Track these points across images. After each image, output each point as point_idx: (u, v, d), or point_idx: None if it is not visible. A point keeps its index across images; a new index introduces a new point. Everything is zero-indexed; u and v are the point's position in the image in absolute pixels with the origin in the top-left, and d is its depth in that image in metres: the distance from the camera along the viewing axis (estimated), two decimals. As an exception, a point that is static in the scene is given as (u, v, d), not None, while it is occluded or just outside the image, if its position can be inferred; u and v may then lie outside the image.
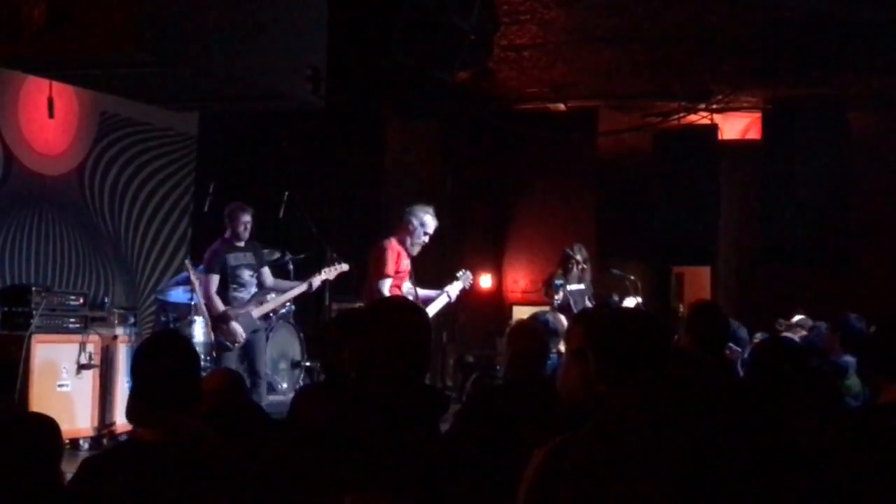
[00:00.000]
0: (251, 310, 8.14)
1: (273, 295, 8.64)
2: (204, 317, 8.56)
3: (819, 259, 11.90)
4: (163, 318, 9.14)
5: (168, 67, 4.91)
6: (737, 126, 13.12)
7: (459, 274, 8.37)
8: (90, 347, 7.85)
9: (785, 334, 7.57)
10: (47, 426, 3.08)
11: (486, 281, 13.11)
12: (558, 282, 9.58)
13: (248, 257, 8.20)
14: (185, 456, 2.95)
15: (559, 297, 9.39)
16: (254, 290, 8.29)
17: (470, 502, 2.88)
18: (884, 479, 2.66)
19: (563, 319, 9.10)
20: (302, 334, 9.39)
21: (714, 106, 12.19)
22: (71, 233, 9.36)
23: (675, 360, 3.43)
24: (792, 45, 9.99)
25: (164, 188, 10.41)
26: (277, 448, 3.01)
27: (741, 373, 5.25)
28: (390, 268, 7.74)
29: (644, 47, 10.55)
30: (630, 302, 9.87)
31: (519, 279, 13.52)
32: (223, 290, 8.01)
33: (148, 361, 3.09)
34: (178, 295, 9.01)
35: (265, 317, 8.50)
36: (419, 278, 8.13)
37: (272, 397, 8.75)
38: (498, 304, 13.39)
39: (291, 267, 9.31)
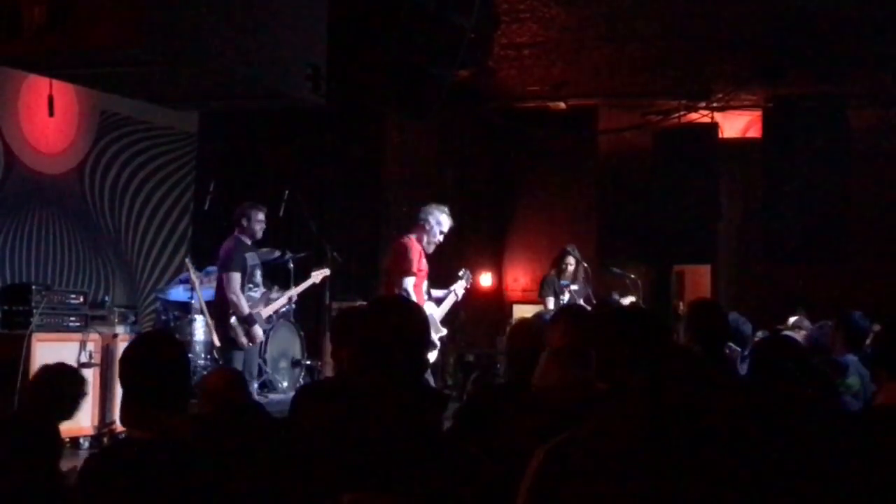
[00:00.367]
0: (261, 309, 8.17)
1: (276, 295, 8.67)
2: (205, 315, 8.57)
3: (820, 257, 11.89)
4: (163, 317, 9.14)
5: (168, 66, 4.92)
6: (737, 124, 13.11)
7: (461, 273, 8.42)
8: (90, 346, 7.85)
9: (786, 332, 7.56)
10: (45, 425, 3.08)
11: (486, 279, 13.11)
12: (564, 282, 9.65)
13: (256, 257, 8.24)
14: (177, 455, 2.94)
15: (565, 297, 9.44)
16: (262, 289, 8.33)
17: (470, 502, 2.88)
18: (880, 481, 2.65)
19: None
20: (302, 333, 9.39)
21: (714, 104, 12.17)
22: (71, 231, 9.36)
23: (674, 358, 3.43)
24: (792, 43, 10.00)
25: (164, 187, 10.41)
26: (277, 447, 3.01)
27: (742, 371, 5.25)
28: (415, 265, 7.75)
29: (644, 45, 10.55)
30: (626, 300, 9.89)
31: (519, 278, 13.52)
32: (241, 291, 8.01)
33: (136, 363, 3.08)
34: (178, 293, 9.01)
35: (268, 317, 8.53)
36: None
37: (273, 396, 8.76)
38: (498, 302, 13.39)
39: (291, 266, 9.31)
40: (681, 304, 12.65)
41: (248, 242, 8.11)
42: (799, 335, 7.10)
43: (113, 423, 8.01)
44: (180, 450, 2.96)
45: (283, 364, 9.23)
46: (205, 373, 7.85)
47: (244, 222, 8.05)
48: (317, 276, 8.88)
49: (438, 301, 8.19)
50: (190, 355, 8.33)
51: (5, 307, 7.60)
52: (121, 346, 8.19)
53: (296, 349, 9.33)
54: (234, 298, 7.85)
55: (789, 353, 3.71)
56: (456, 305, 8.47)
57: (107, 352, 8.05)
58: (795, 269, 12.34)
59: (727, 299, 12.49)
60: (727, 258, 13.50)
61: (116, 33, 4.41)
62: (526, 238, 13.46)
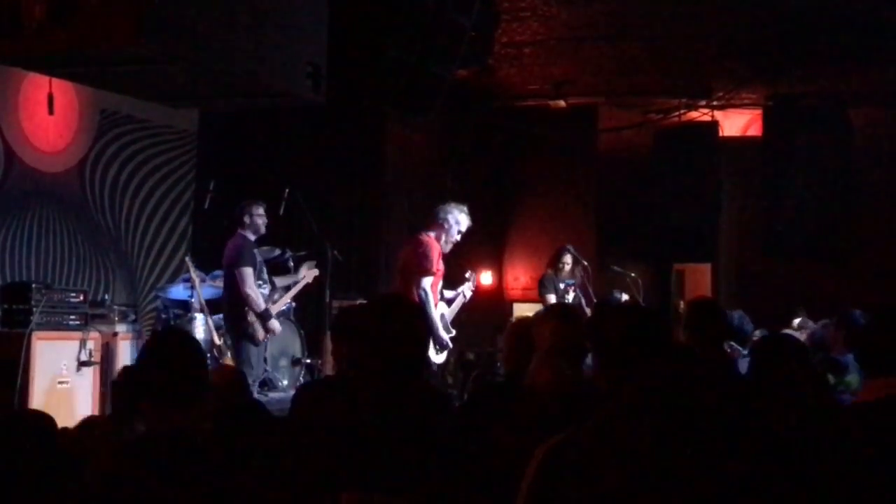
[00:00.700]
0: (270, 306, 8.23)
1: (278, 294, 8.70)
2: (205, 313, 8.57)
3: (820, 255, 11.89)
4: (163, 316, 9.14)
5: (168, 64, 4.92)
6: (737, 123, 13.11)
7: (468, 275, 8.47)
8: (90, 344, 7.85)
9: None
10: (44, 424, 3.08)
11: (486, 278, 13.11)
12: (570, 281, 9.67)
13: (260, 255, 8.26)
14: (196, 449, 2.96)
15: (570, 296, 9.47)
16: (269, 286, 8.37)
17: (469, 501, 2.88)
18: (866, 479, 2.65)
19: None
20: (302, 331, 9.39)
21: (715, 103, 12.18)
22: (71, 230, 9.35)
23: (673, 357, 3.43)
24: (793, 41, 9.99)
25: (164, 185, 10.40)
26: (277, 446, 3.01)
27: (742, 369, 5.25)
28: (435, 265, 7.75)
29: (644, 44, 10.54)
30: (623, 298, 9.91)
31: (519, 276, 13.52)
32: None
33: (157, 358, 3.10)
34: (178, 292, 9.01)
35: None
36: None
37: (273, 394, 8.76)
38: (498, 301, 13.40)
39: (292, 264, 9.31)
40: (681, 302, 12.67)
41: (253, 239, 8.15)
42: (803, 335, 7.11)
43: (113, 421, 8.01)
44: (202, 444, 2.98)
45: (284, 362, 9.22)
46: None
47: (246, 219, 8.10)
48: (309, 275, 8.93)
49: (449, 302, 8.24)
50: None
51: (5, 306, 7.60)
52: (121, 344, 8.20)
53: (296, 347, 9.32)
54: (251, 293, 7.88)
55: (789, 352, 3.70)
56: (462, 307, 8.50)
57: (107, 350, 8.05)
58: (795, 268, 12.35)
59: (727, 298, 12.49)
60: (727, 257, 13.51)
61: (117, 32, 4.42)
62: (526, 236, 13.46)
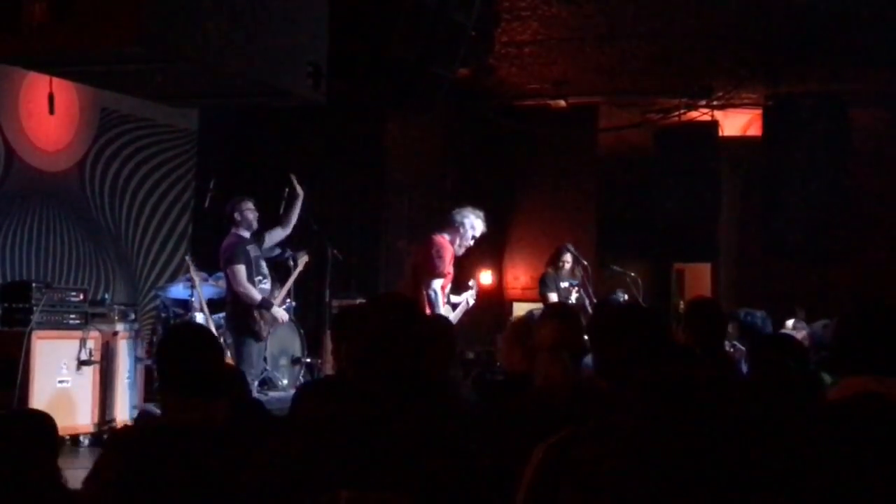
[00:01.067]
0: (273, 298, 8.27)
1: (277, 291, 8.72)
2: (205, 313, 8.58)
3: (820, 255, 11.89)
4: (163, 315, 9.15)
5: (169, 63, 4.92)
6: (737, 122, 13.12)
7: (471, 283, 8.52)
8: (90, 344, 7.86)
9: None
10: (44, 423, 3.08)
11: (486, 277, 13.11)
12: (574, 281, 9.69)
13: (258, 248, 8.26)
14: (218, 441, 2.99)
15: (573, 296, 9.49)
16: (270, 280, 8.38)
17: (469, 499, 2.88)
18: (837, 479, 2.65)
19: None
20: (302, 331, 9.40)
21: (715, 102, 12.18)
22: (71, 229, 9.36)
23: (673, 357, 3.43)
24: (793, 41, 9.99)
25: (164, 184, 10.41)
26: (276, 444, 3.01)
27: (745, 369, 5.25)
28: (447, 267, 7.75)
29: (645, 44, 10.55)
30: (622, 297, 9.92)
31: (519, 275, 13.53)
32: (249, 283, 8.03)
33: (180, 350, 3.14)
34: (178, 291, 9.01)
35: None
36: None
37: (272, 393, 8.76)
38: (498, 300, 13.39)
39: (292, 263, 9.31)
40: (681, 302, 12.67)
41: (247, 235, 8.15)
42: (799, 335, 7.11)
43: (113, 420, 8.02)
44: (220, 435, 3.01)
45: (283, 362, 9.23)
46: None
47: (237, 216, 8.13)
48: (301, 262, 8.96)
49: (454, 307, 8.26)
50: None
51: (5, 304, 7.61)
52: (121, 343, 8.20)
53: (296, 347, 9.32)
54: (242, 290, 7.92)
55: (789, 352, 3.71)
56: (464, 313, 8.54)
57: (107, 349, 8.05)
58: (795, 267, 12.35)
59: (727, 297, 12.50)
60: (727, 256, 13.52)
61: (117, 31, 4.41)
62: (526, 236, 13.46)
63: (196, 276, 8.73)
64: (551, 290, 9.77)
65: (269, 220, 8.54)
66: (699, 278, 13.71)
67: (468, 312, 8.55)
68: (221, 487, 2.89)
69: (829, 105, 11.66)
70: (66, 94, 8.97)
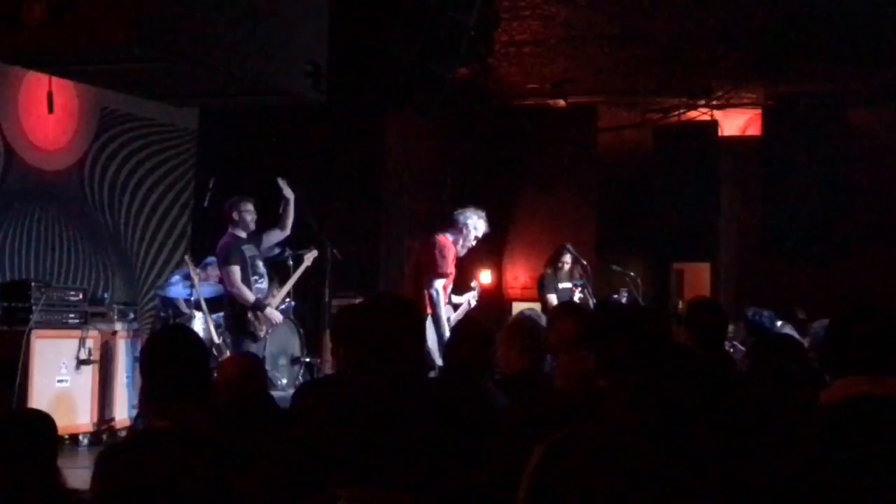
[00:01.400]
0: (269, 300, 8.24)
1: (276, 290, 8.71)
2: (204, 312, 8.57)
3: (819, 255, 11.90)
4: (162, 314, 9.14)
5: (168, 63, 4.91)
6: (737, 122, 13.12)
7: (473, 284, 8.52)
8: (90, 343, 7.86)
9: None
10: (43, 422, 3.08)
11: (486, 277, 13.11)
12: (578, 282, 9.69)
13: (255, 248, 8.25)
14: (197, 445, 2.96)
15: (576, 297, 9.50)
16: (268, 280, 8.37)
17: (467, 499, 2.88)
18: (831, 481, 2.64)
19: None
20: (302, 330, 9.39)
21: (714, 102, 12.18)
22: (71, 228, 9.36)
23: (673, 356, 3.43)
24: (792, 41, 9.99)
25: (164, 183, 10.40)
26: (276, 443, 3.02)
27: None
28: (450, 266, 7.75)
29: (644, 43, 10.55)
30: (622, 298, 9.93)
31: (519, 275, 13.52)
32: (245, 283, 8.02)
33: (159, 355, 3.12)
34: (177, 290, 9.01)
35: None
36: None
37: (272, 393, 8.74)
38: (498, 300, 13.39)
39: (291, 263, 9.30)
40: (680, 302, 12.67)
41: (244, 235, 8.13)
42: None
43: (112, 419, 8.01)
44: (200, 441, 2.98)
45: (283, 361, 9.22)
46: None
47: (235, 216, 8.10)
48: (308, 258, 8.95)
49: (455, 307, 8.26)
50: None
51: (5, 304, 7.60)
52: (120, 342, 8.20)
53: (295, 346, 9.32)
54: (236, 291, 7.90)
55: (789, 352, 3.71)
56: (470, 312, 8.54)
57: (106, 349, 8.05)
58: (794, 267, 12.35)
59: (726, 297, 12.50)
60: (727, 256, 13.51)
61: (116, 30, 4.41)
62: (526, 236, 13.46)
63: (195, 275, 8.73)
64: (550, 292, 9.78)
65: (269, 219, 8.53)
66: (698, 278, 13.71)
67: (469, 313, 8.55)
68: (194, 493, 2.87)
69: (829, 105, 11.66)
70: (66, 92, 8.97)
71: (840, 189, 11.77)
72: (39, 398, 7.26)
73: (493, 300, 13.21)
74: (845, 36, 9.70)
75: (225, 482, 2.87)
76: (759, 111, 12.46)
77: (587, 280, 9.93)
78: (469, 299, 8.39)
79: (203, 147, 10.73)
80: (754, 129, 12.79)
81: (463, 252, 7.97)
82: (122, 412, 8.14)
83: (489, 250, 13.29)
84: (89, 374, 7.85)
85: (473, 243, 8.01)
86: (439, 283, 7.65)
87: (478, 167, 13.09)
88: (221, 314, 8.48)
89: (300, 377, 9.15)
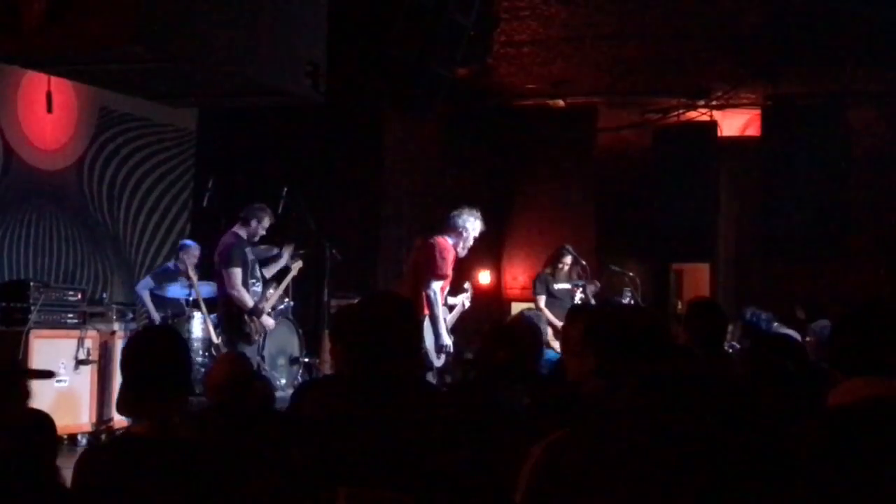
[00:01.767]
0: (263, 304, 8.23)
1: (271, 291, 8.70)
2: (203, 312, 8.57)
3: (819, 255, 11.89)
4: (161, 314, 9.14)
5: (167, 63, 4.91)
6: (736, 123, 13.11)
7: (466, 286, 8.53)
8: (88, 343, 7.85)
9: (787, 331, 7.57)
10: (42, 422, 3.08)
11: (484, 277, 13.11)
12: (580, 282, 9.70)
13: (252, 252, 8.26)
14: (175, 450, 2.95)
15: (578, 297, 9.50)
16: (262, 284, 8.37)
17: (466, 498, 2.88)
18: (840, 482, 2.64)
19: (552, 317, 9.23)
20: (301, 330, 9.39)
21: (713, 103, 12.18)
22: (69, 228, 9.35)
23: (672, 356, 3.42)
24: (791, 41, 9.99)
25: (163, 184, 10.40)
26: (275, 442, 3.02)
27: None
28: (449, 269, 7.75)
29: (643, 44, 10.55)
30: (624, 298, 9.93)
31: (518, 275, 13.52)
32: (244, 286, 8.01)
33: (137, 353, 3.10)
34: (176, 291, 9.01)
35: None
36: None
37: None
38: (497, 300, 13.39)
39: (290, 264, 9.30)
40: (679, 302, 12.67)
41: (245, 237, 8.12)
42: None
43: (111, 419, 8.01)
44: (179, 447, 2.96)
45: (282, 361, 9.22)
46: (203, 370, 7.86)
47: (253, 223, 8.05)
48: (294, 268, 8.93)
49: (450, 308, 8.26)
50: (188, 352, 8.32)
51: (3, 304, 7.59)
52: (119, 343, 8.19)
53: (294, 346, 9.32)
54: (236, 294, 7.88)
55: (788, 352, 3.70)
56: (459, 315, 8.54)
57: (105, 349, 8.05)
58: (794, 268, 12.35)
59: (725, 298, 12.50)
60: (726, 256, 13.51)
61: (115, 30, 4.41)
62: (525, 236, 13.46)
63: (194, 275, 8.72)
64: (540, 293, 9.79)
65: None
66: (697, 279, 13.71)
67: (466, 313, 8.55)
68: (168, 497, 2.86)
69: (828, 106, 11.66)
70: (65, 92, 8.97)
71: (839, 189, 11.76)
72: (38, 398, 7.22)
73: (492, 301, 13.20)
74: (845, 36, 9.70)
75: (204, 485, 2.86)
76: (758, 111, 12.45)
77: (587, 280, 9.93)
78: (463, 300, 8.40)
79: (202, 147, 10.74)
80: (753, 130, 12.78)
81: (463, 254, 7.98)
82: (121, 412, 8.13)
83: (488, 251, 13.29)
84: (88, 374, 7.85)
85: (472, 243, 8.02)
86: (437, 285, 7.65)
87: (477, 167, 13.09)
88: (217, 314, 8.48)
89: (299, 377, 9.15)
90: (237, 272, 7.89)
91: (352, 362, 3.04)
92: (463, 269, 8.87)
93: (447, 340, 7.77)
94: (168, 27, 4.57)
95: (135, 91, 6.30)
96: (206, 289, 8.75)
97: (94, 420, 7.87)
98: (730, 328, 7.04)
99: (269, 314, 8.30)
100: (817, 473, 2.57)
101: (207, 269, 8.91)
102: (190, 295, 8.77)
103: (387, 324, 2.93)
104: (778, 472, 2.41)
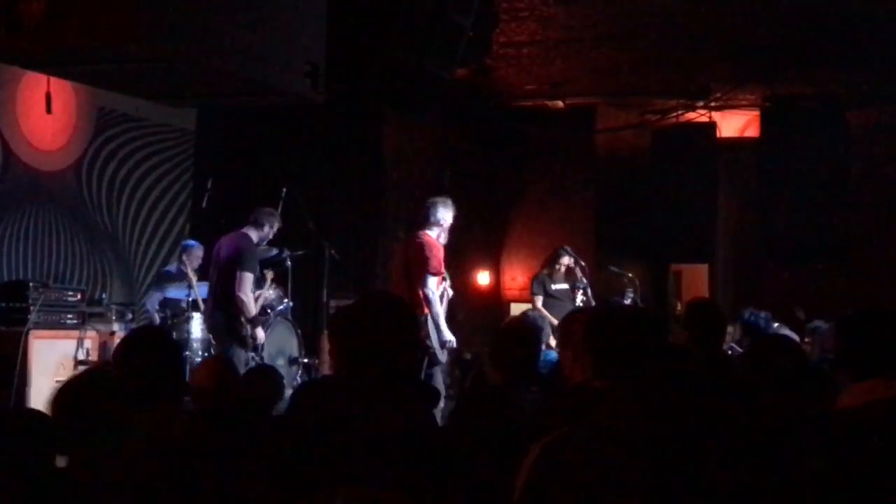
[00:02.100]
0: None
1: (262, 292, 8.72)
2: (202, 313, 8.55)
3: (818, 256, 11.90)
4: (160, 315, 9.14)
5: (167, 63, 4.91)
6: (735, 124, 13.12)
7: (445, 275, 8.49)
8: (88, 343, 7.85)
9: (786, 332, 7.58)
10: (42, 422, 3.08)
11: (483, 278, 13.11)
12: (580, 283, 9.70)
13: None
14: (169, 454, 2.95)
15: (578, 298, 9.49)
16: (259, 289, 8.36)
17: (465, 498, 2.88)
18: (848, 486, 2.64)
19: (550, 317, 9.23)
20: (300, 331, 9.39)
21: (712, 104, 12.19)
22: (68, 228, 9.35)
23: (671, 357, 3.43)
24: (790, 42, 10.00)
25: (161, 184, 10.40)
26: (274, 442, 3.01)
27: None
28: (440, 263, 7.72)
29: (642, 45, 10.55)
30: (626, 299, 9.93)
31: (517, 276, 13.52)
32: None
33: (130, 357, 3.10)
34: (175, 291, 9.01)
35: (261, 312, 8.52)
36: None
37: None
38: (496, 300, 13.40)
39: (289, 264, 9.30)
40: (678, 303, 12.68)
41: (257, 243, 8.03)
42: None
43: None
44: (172, 450, 2.96)
45: (281, 362, 9.21)
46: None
47: (266, 228, 7.90)
48: (268, 277, 8.90)
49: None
50: (187, 353, 8.32)
51: (2, 304, 7.60)
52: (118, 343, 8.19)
53: (293, 347, 9.31)
54: (245, 298, 7.69)
55: (787, 353, 3.70)
56: (453, 305, 8.48)
57: (104, 349, 8.04)
58: (792, 269, 12.35)
59: (724, 298, 12.50)
60: (725, 257, 13.51)
61: (114, 30, 4.41)
62: (523, 236, 13.46)
63: (193, 276, 8.72)
64: (538, 294, 9.78)
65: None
66: (696, 279, 13.71)
67: (463, 309, 8.52)
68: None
69: (827, 107, 11.67)
70: (64, 93, 8.96)
71: (838, 190, 11.77)
72: (37, 398, 7.25)
73: (491, 301, 13.21)
74: (844, 37, 9.71)
75: (192, 491, 2.86)
76: (757, 113, 12.46)
77: (587, 281, 9.94)
78: (446, 289, 8.33)
79: (201, 148, 10.74)
80: (752, 131, 12.79)
81: (444, 243, 7.94)
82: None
83: (487, 251, 13.30)
84: (87, 374, 7.84)
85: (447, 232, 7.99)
86: (433, 282, 7.63)
87: (476, 168, 13.09)
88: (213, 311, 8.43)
89: (298, 378, 9.14)
90: (250, 277, 7.74)
91: (345, 362, 3.03)
92: (462, 270, 8.87)
93: (449, 336, 7.76)
94: (168, 27, 4.56)
95: (134, 91, 6.30)
96: (205, 290, 8.75)
97: (93, 420, 7.87)
98: (729, 329, 7.04)
99: (263, 322, 8.23)
100: (826, 475, 2.57)
101: (205, 270, 8.90)
102: (189, 296, 8.77)
103: (383, 323, 2.93)
104: (778, 472, 2.41)
